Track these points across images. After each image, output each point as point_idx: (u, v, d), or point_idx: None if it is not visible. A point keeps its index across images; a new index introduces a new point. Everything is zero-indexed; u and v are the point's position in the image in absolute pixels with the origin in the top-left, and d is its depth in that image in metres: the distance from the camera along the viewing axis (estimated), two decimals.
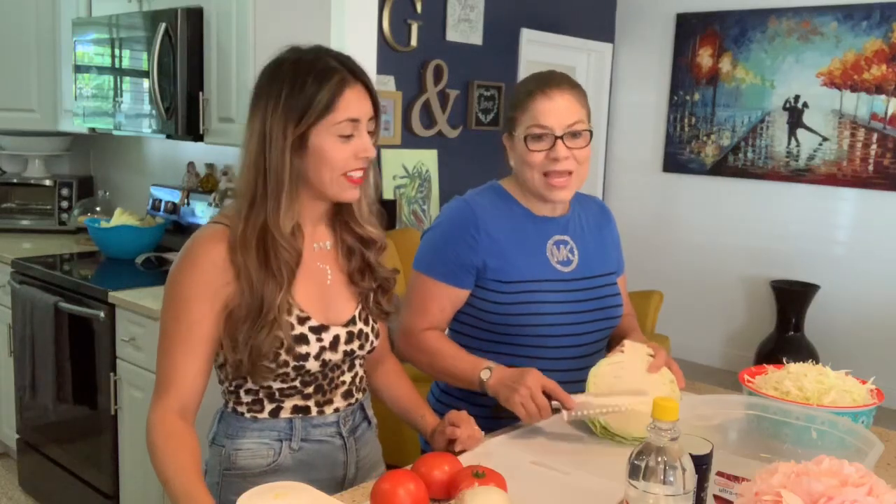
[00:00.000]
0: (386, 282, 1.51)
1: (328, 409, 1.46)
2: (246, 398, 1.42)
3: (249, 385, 1.41)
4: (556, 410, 1.54)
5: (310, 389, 1.43)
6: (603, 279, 1.81)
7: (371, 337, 1.49)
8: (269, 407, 1.42)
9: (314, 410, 1.45)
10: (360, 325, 1.46)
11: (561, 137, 1.65)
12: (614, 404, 1.53)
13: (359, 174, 1.38)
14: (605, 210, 1.93)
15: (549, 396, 1.53)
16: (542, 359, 1.67)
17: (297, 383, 1.41)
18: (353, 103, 1.34)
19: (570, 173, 1.68)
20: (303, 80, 1.31)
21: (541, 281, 1.71)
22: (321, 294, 1.43)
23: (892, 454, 1.53)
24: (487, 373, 1.60)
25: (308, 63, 1.33)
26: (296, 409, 1.43)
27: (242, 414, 1.43)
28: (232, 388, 1.43)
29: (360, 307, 1.47)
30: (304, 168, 1.35)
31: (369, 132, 1.38)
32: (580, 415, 1.53)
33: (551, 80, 1.68)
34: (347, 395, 1.49)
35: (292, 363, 1.37)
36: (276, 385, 1.40)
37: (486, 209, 1.73)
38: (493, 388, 1.58)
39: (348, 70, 1.35)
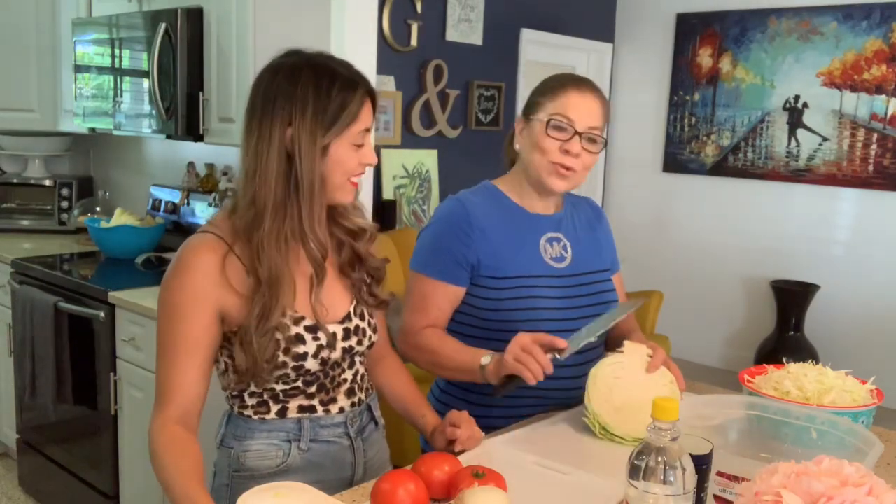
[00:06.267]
0: (377, 271, 1.52)
1: (333, 409, 1.47)
2: (250, 401, 1.43)
3: (253, 389, 1.41)
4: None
5: (312, 389, 1.43)
6: (597, 275, 1.82)
7: (368, 332, 1.50)
8: (274, 408, 1.43)
9: (320, 409, 1.45)
10: (355, 320, 1.47)
11: (580, 135, 1.67)
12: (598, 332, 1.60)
13: (358, 178, 1.42)
14: (598, 210, 1.95)
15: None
16: None
17: (299, 383, 1.42)
18: (368, 114, 1.38)
19: (573, 170, 1.70)
20: (328, 89, 1.32)
21: (534, 276, 1.72)
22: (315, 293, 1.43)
23: (892, 454, 1.53)
24: (488, 358, 1.60)
25: (331, 71, 1.35)
26: (301, 409, 1.44)
27: (250, 416, 1.43)
28: (235, 393, 1.44)
29: (354, 302, 1.48)
30: (321, 173, 1.36)
31: None
32: (575, 348, 1.54)
33: (587, 81, 1.74)
34: (350, 393, 1.49)
35: (291, 363, 1.37)
36: (279, 387, 1.41)
37: (479, 206, 1.74)
38: (493, 369, 1.58)
39: (361, 79, 1.38)
